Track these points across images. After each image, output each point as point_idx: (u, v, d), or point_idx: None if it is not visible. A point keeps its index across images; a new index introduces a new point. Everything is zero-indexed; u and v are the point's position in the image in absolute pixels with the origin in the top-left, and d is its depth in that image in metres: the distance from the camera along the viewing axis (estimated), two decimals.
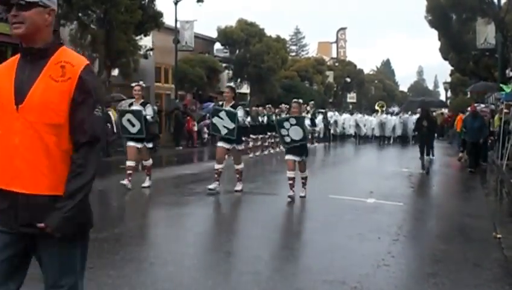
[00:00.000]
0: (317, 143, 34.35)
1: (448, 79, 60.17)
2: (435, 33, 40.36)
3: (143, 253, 8.25)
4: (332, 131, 43.91)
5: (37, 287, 6.58)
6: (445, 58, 42.44)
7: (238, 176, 14.46)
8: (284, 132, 13.28)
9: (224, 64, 47.18)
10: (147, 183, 14.81)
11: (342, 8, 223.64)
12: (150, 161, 14.95)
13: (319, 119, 41.20)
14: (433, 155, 20.80)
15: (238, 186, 14.38)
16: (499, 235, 9.57)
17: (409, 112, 39.48)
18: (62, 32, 28.09)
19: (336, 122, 44.45)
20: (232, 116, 13.68)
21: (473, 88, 35.42)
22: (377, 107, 50.92)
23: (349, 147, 37.72)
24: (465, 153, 25.50)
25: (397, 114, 43.86)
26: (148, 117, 14.51)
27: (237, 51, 49.03)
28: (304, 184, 13.60)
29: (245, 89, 51.08)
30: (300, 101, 13.96)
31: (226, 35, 47.94)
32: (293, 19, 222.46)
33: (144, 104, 14.77)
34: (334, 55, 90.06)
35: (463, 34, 36.99)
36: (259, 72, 47.36)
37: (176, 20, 37.50)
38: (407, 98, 73.27)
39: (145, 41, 32.67)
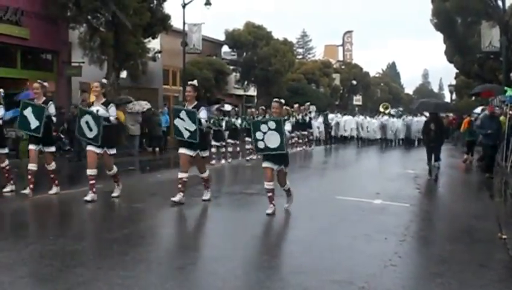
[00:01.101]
0: (310, 146, 33.28)
1: (453, 82, 60.01)
2: (440, 36, 40.38)
3: (152, 253, 8.31)
4: (333, 133, 42.86)
5: (45, 287, 6.72)
6: (450, 61, 42.36)
7: (204, 183, 13.07)
8: (259, 135, 11.51)
9: (231, 67, 47.26)
10: (116, 193, 13.38)
11: (348, 11, 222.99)
12: (114, 170, 13.22)
13: (320, 121, 40.68)
14: (439, 160, 18.90)
15: (206, 195, 13.07)
16: (504, 236, 9.61)
17: (412, 114, 39.14)
18: (71, 34, 28.29)
19: (337, 124, 43.26)
20: (192, 117, 12.23)
21: (474, 90, 35.37)
22: (381, 109, 50.40)
23: (351, 150, 37.25)
24: (470, 155, 25.51)
25: (400, 116, 43.16)
26: (111, 118, 12.85)
27: (244, 54, 49.15)
28: (287, 194, 12.12)
29: (252, 91, 51.16)
30: (282, 101, 12.03)
31: (233, 38, 48.08)
32: (299, 22, 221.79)
33: (106, 104, 12.93)
34: (341, 58, 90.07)
35: (468, 37, 36.98)
36: (266, 75, 47.44)
37: (184, 23, 37.60)
38: (413, 100, 72.89)
39: (153, 44, 32.86)
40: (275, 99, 12.08)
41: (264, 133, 11.38)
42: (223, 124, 23.37)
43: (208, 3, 36.78)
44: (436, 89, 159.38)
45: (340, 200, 13.72)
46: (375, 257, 8.28)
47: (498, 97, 28.09)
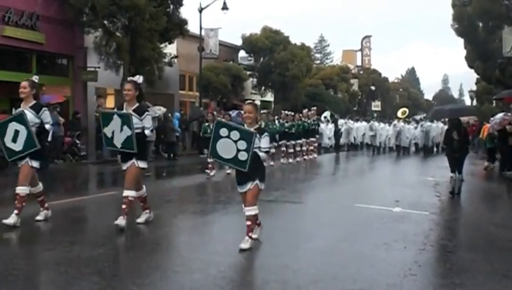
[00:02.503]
0: (316, 155, 31.27)
1: (474, 87, 59.73)
2: (460, 41, 40.12)
3: (168, 261, 8.29)
4: (344, 140, 41.22)
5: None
6: (470, 67, 42.08)
7: (124, 206, 10.12)
8: (216, 137, 9.15)
9: (248, 72, 47.22)
10: (41, 216, 10.87)
11: (366, 16, 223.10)
12: (39, 187, 10.82)
13: (330, 127, 39.70)
14: (461, 173, 16.80)
15: (121, 221, 9.96)
16: None
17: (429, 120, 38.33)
18: (87, 39, 28.36)
19: (348, 130, 41.64)
20: (126, 120, 10.07)
21: (498, 95, 35.09)
22: (399, 115, 49.49)
23: (365, 157, 36.53)
24: (491, 162, 25.26)
25: (417, 122, 42.18)
26: (47, 126, 10.55)
27: (261, 59, 49.11)
28: (249, 228, 9.16)
29: (269, 97, 51.10)
30: (257, 102, 9.48)
31: (250, 43, 48.05)
32: (317, 27, 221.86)
33: (36, 108, 10.47)
34: (359, 63, 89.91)
35: (489, 42, 36.73)
36: (283, 80, 47.36)
37: (201, 28, 37.67)
38: (433, 107, 72.61)
39: (170, 49, 32.83)
40: (247, 101, 9.70)
41: (221, 137, 9.05)
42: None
43: (224, 7, 36.80)
44: (456, 95, 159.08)
45: (359, 208, 13.58)
46: (394, 266, 8.18)
47: None
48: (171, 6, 31.02)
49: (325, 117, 40.86)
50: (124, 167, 10.28)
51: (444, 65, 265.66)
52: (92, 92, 29.84)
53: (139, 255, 8.35)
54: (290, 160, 26.59)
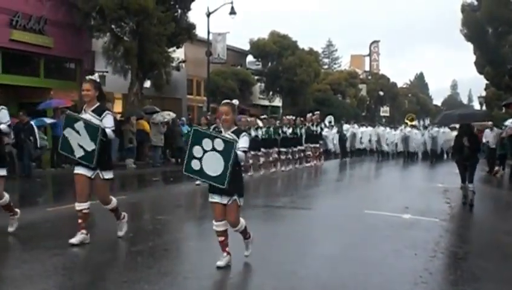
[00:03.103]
0: (320, 160, 30.21)
1: (483, 93, 59.48)
2: (469, 47, 39.98)
3: (177, 267, 8.26)
4: (348, 146, 39.78)
5: None
6: (480, 72, 41.93)
7: (115, 214, 9.98)
8: (197, 152, 7.87)
9: (256, 77, 47.19)
10: (12, 228, 10.14)
11: (375, 21, 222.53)
12: (6, 198, 9.91)
13: (333, 132, 39.11)
14: (472, 182, 15.54)
15: (121, 232, 9.94)
16: None
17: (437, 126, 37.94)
18: (94, 43, 28.38)
19: (353, 135, 40.20)
20: (92, 132, 9.06)
21: (506, 101, 34.89)
22: (406, 120, 49.11)
23: (371, 163, 36.14)
24: (501, 168, 25.11)
25: (425, 128, 41.74)
26: (1, 126, 9.68)
27: (269, 64, 49.08)
28: (245, 237, 8.68)
29: (277, 102, 51.03)
30: (235, 102, 8.35)
31: (258, 48, 48.03)
32: (325, 32, 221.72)
33: None
34: (367, 68, 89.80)
35: (499, 48, 36.57)
36: (291, 85, 47.32)
37: (209, 32, 37.65)
38: (441, 112, 72.25)
39: (178, 54, 32.86)
40: (225, 101, 8.39)
41: (205, 151, 7.81)
42: None
43: (232, 12, 36.76)
44: (465, 101, 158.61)
45: (368, 214, 13.49)
46: (405, 273, 8.11)
47: None
48: (179, 11, 31.12)
49: (329, 122, 40.62)
50: (79, 170, 9.38)
51: (452, 70, 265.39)
52: None
53: (148, 261, 8.30)
54: (297, 165, 26.46)
